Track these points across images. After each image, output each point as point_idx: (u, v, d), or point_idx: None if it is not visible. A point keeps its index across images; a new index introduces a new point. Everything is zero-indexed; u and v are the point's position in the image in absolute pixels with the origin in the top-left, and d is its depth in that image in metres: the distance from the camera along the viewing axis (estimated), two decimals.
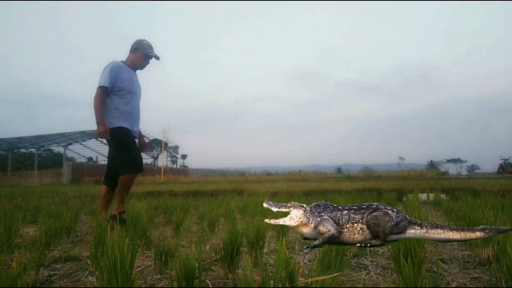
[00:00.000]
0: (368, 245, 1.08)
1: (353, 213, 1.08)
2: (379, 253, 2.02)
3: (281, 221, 1.12)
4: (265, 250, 2.04)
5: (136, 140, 3.39)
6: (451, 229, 1.04)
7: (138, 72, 3.44)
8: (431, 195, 4.93)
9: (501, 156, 21.78)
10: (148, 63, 3.37)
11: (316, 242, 1.08)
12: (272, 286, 1.09)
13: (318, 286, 1.12)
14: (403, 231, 1.06)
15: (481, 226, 1.04)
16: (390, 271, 1.66)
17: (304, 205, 1.15)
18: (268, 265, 1.24)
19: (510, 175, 17.42)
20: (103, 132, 3.01)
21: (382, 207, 1.08)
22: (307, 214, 1.12)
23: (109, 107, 3.13)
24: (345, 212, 1.10)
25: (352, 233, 1.07)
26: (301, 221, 1.11)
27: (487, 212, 2.18)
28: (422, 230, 1.06)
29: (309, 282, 1.11)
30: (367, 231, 1.07)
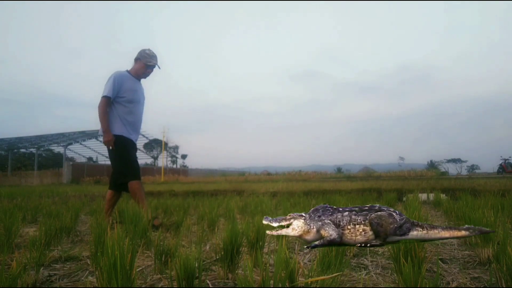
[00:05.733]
0: (368, 245, 1.08)
1: (355, 215, 1.09)
2: (379, 253, 2.02)
3: (283, 232, 1.12)
4: (265, 250, 2.04)
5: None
6: (442, 229, 1.09)
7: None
8: (431, 195, 4.93)
9: (501, 156, 21.80)
10: (150, 72, 3.46)
11: (317, 242, 1.09)
12: (272, 286, 1.09)
13: (318, 286, 1.12)
14: (406, 232, 1.07)
15: (466, 226, 1.09)
16: (390, 271, 1.66)
17: (303, 213, 1.15)
18: (268, 265, 1.24)
19: (510, 175, 17.43)
20: (110, 140, 3.17)
21: (385, 209, 1.09)
22: (307, 221, 1.12)
23: (113, 115, 3.28)
24: (346, 213, 1.10)
25: (353, 235, 1.07)
26: (303, 230, 1.12)
27: (487, 212, 2.17)
28: (423, 231, 1.08)
29: (309, 282, 1.11)
30: (370, 233, 1.07)
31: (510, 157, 21.51)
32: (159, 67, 3.46)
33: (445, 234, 1.08)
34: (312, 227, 1.11)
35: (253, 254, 1.71)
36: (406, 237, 1.09)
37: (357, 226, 1.07)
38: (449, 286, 1.44)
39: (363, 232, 1.07)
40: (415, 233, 1.09)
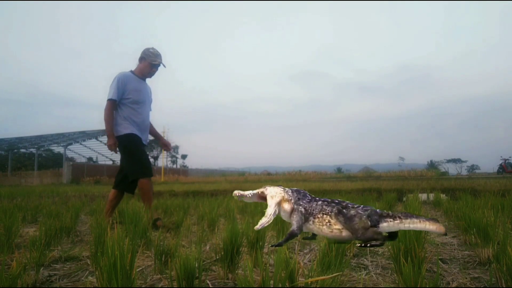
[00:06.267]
0: (368, 245, 1.07)
1: (326, 205, 1.10)
2: (379, 253, 2.02)
3: (268, 212, 1.09)
4: (265, 250, 2.04)
5: (146, 144, 3.50)
6: (416, 217, 1.06)
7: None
8: (431, 195, 4.93)
9: (501, 156, 21.82)
10: (155, 71, 3.43)
11: (280, 241, 1.11)
12: (272, 286, 1.09)
13: (318, 286, 1.12)
14: (377, 224, 1.06)
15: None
16: (390, 271, 1.66)
17: (280, 186, 1.17)
18: (268, 265, 1.24)
19: (510, 175, 17.43)
20: (113, 144, 3.17)
21: (350, 206, 1.09)
22: (289, 193, 1.13)
23: (119, 116, 3.27)
24: (320, 202, 1.12)
25: (321, 224, 1.09)
26: (283, 196, 1.12)
27: (487, 212, 2.18)
28: (396, 221, 1.05)
29: (309, 282, 1.11)
30: (335, 226, 1.07)
31: (510, 157, 21.53)
32: (164, 66, 3.42)
33: (421, 225, 1.04)
34: (292, 201, 1.12)
35: (253, 254, 1.71)
36: (379, 229, 1.07)
37: (324, 216, 1.09)
38: (449, 286, 1.44)
39: (328, 223, 1.08)
40: (386, 225, 1.07)
